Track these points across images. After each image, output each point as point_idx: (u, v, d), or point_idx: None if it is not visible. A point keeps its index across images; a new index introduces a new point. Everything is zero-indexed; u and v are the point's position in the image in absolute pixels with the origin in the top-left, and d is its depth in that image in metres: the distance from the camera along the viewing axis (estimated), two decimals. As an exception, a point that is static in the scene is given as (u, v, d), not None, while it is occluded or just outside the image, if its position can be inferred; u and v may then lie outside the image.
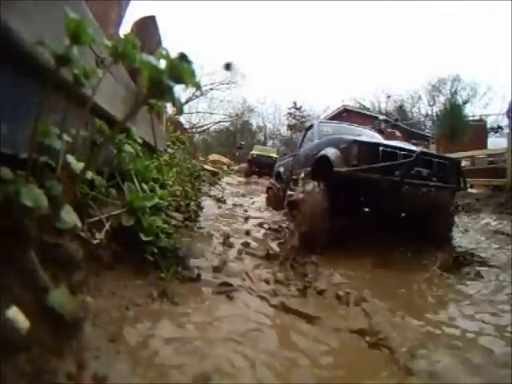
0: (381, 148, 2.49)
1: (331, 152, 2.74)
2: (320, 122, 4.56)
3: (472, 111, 16.21)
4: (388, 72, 43.00)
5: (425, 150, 2.96)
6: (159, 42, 2.23)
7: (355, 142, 2.54)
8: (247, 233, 2.65)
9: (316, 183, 2.58)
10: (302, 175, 3.25)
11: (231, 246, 2.07)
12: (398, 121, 14.53)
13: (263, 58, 47.94)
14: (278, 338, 1.03)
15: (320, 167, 2.92)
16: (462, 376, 0.94)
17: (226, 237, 2.19)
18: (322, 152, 2.92)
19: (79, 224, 0.70)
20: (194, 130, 21.98)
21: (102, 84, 0.84)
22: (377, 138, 4.05)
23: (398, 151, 2.52)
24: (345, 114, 16.39)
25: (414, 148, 2.84)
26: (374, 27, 43.88)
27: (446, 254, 2.36)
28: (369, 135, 3.98)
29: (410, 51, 35.77)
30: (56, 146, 0.70)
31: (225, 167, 14.52)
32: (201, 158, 10.79)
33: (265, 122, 28.89)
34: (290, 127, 27.64)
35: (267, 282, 1.55)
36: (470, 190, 5.58)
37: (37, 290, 0.56)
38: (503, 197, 4.85)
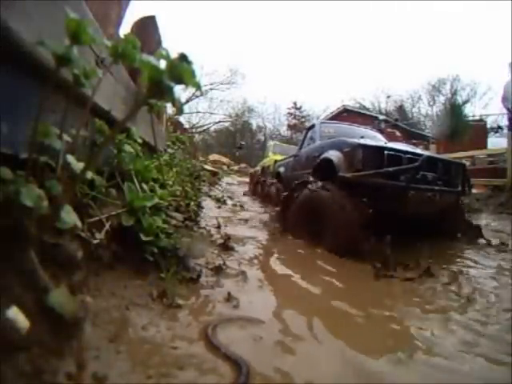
0: (386, 152, 2.44)
1: (334, 155, 2.69)
2: (322, 122, 4.51)
3: (472, 111, 16.25)
4: (388, 72, 43.08)
5: (430, 153, 2.91)
6: (159, 42, 2.23)
7: (359, 145, 2.49)
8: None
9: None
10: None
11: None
12: (398, 121, 14.50)
13: (263, 58, 48.09)
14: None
15: (322, 170, 2.89)
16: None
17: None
18: (325, 154, 2.88)
19: (79, 224, 0.70)
20: (193, 130, 21.99)
21: (102, 84, 0.84)
22: (380, 139, 4.00)
23: (402, 155, 2.48)
24: (345, 114, 16.36)
25: (419, 151, 2.81)
26: (373, 27, 43.95)
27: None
28: (372, 136, 3.91)
29: (410, 51, 35.94)
30: (56, 146, 0.70)
31: (225, 167, 14.54)
32: (201, 158, 10.80)
33: (265, 122, 28.95)
34: (290, 127, 27.65)
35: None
36: (469, 190, 5.56)
37: (37, 290, 0.56)
38: (503, 197, 4.85)
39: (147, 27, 2.12)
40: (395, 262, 1.97)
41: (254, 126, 29.10)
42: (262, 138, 27.76)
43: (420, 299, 1.54)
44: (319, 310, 1.31)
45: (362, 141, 2.69)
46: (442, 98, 21.55)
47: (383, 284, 1.74)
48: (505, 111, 5.75)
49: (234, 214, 3.91)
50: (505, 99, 5.40)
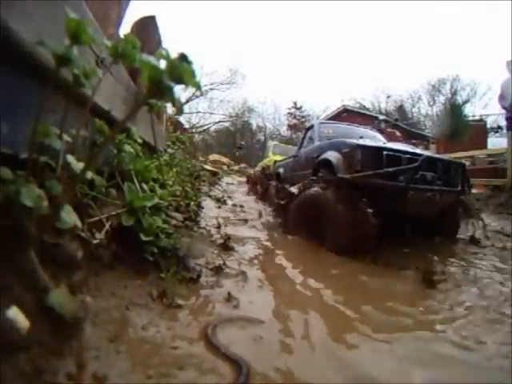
0: (385, 152, 2.43)
1: (333, 156, 2.69)
2: (321, 123, 4.50)
3: (472, 111, 16.25)
4: (388, 72, 43.10)
5: (429, 153, 2.90)
6: (159, 42, 2.23)
7: (358, 146, 2.49)
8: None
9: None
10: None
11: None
12: (398, 121, 14.51)
13: (263, 58, 48.10)
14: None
15: (321, 171, 2.89)
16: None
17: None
18: (324, 155, 2.88)
19: (79, 224, 0.70)
20: (193, 130, 21.98)
21: (102, 84, 0.84)
22: (379, 139, 3.99)
23: (402, 155, 2.47)
24: (345, 114, 16.36)
25: (418, 151, 2.80)
26: (373, 27, 43.95)
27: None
28: (371, 136, 3.90)
29: (410, 51, 35.96)
30: (56, 146, 0.70)
31: (225, 167, 14.53)
32: (201, 158, 10.79)
33: (265, 122, 28.94)
34: (290, 127, 27.66)
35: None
36: (469, 190, 5.57)
37: (37, 290, 0.56)
38: (503, 197, 4.85)
39: (147, 27, 2.13)
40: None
41: (254, 126, 29.11)
42: (262, 138, 27.73)
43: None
44: (319, 310, 1.31)
45: (361, 141, 2.68)
46: (442, 98, 21.62)
47: (384, 284, 1.74)
48: (503, 110, 5.71)
49: (234, 214, 3.91)
50: (502, 98, 5.34)
